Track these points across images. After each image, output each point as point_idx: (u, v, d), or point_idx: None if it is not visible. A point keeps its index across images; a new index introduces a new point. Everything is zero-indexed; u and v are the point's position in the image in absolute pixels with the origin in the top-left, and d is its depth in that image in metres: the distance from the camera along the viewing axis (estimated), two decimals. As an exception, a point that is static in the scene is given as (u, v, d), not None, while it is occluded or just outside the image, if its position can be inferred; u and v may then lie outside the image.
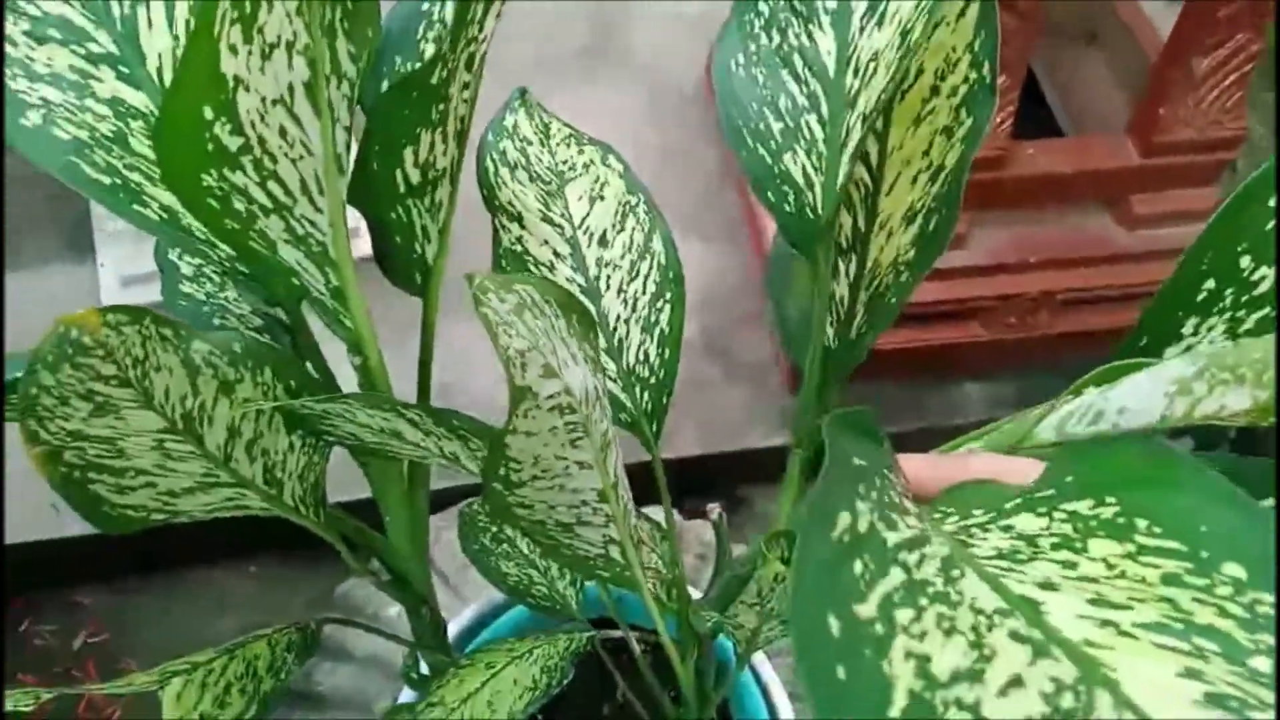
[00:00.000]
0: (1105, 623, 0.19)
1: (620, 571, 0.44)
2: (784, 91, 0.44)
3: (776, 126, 0.44)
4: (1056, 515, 0.24)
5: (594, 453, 0.37)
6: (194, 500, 0.37)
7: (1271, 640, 0.18)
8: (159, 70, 0.37)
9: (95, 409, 0.31)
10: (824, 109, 0.43)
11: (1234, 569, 0.20)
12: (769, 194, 0.44)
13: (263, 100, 0.30)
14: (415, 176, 0.37)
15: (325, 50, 0.32)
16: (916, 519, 0.24)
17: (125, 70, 0.36)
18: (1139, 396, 0.28)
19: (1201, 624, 0.19)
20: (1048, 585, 0.21)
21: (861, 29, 0.41)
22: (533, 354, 0.31)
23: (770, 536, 0.38)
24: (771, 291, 0.51)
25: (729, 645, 0.71)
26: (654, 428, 0.54)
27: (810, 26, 0.43)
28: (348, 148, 0.35)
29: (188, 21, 0.37)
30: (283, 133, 0.31)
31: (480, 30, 0.35)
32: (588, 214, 0.55)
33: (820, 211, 0.43)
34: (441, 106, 0.35)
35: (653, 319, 0.55)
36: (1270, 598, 0.19)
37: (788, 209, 0.44)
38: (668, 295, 0.54)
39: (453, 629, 0.68)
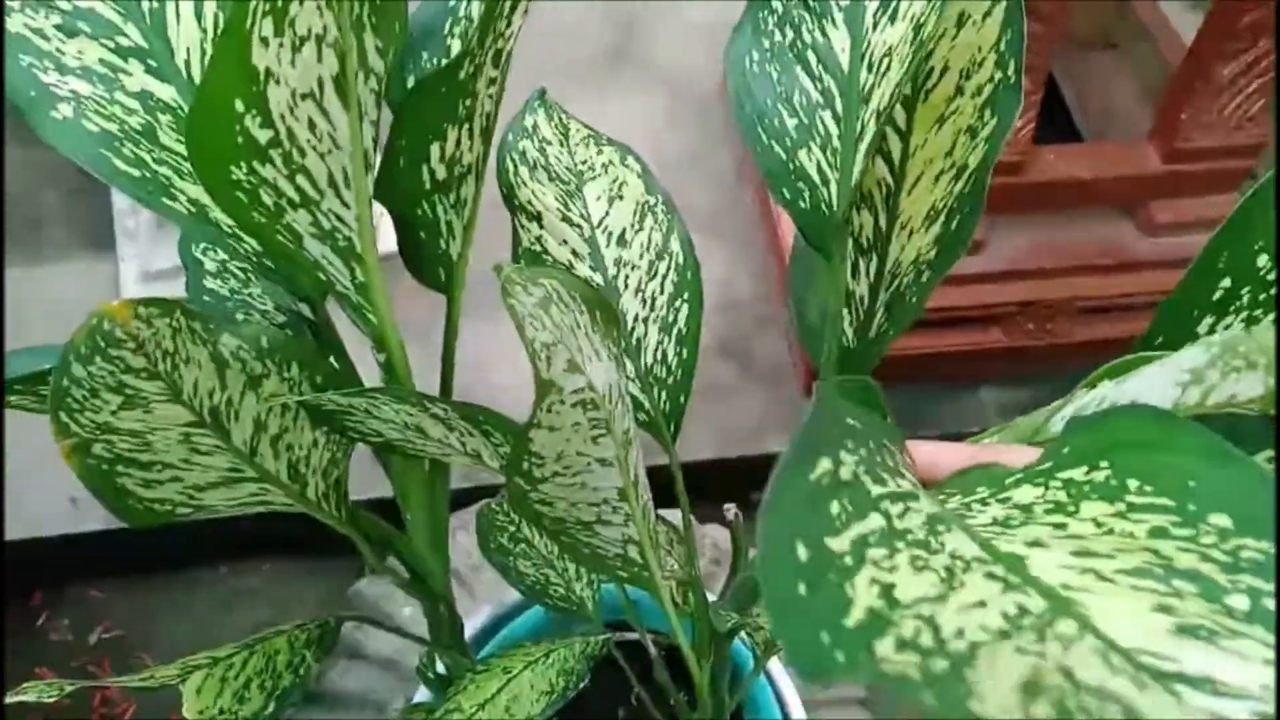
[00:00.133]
0: (1085, 570, 0.19)
1: (638, 571, 0.44)
2: (798, 87, 0.44)
3: (791, 123, 0.44)
4: (1052, 484, 0.24)
5: (615, 450, 0.37)
6: (219, 495, 0.37)
7: (1252, 581, 0.18)
8: (187, 64, 0.37)
9: (125, 402, 0.31)
10: (838, 105, 0.43)
11: (1220, 519, 0.20)
12: (784, 190, 0.44)
13: (293, 93, 0.30)
14: (441, 172, 0.37)
15: (354, 44, 0.32)
16: (911, 485, 0.24)
17: (154, 64, 0.37)
18: (1152, 386, 0.28)
19: (1182, 568, 0.19)
20: (1036, 543, 0.21)
21: (874, 24, 0.41)
22: (558, 348, 0.31)
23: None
24: (792, 290, 0.51)
25: (743, 649, 0.71)
26: (671, 428, 0.54)
27: (824, 22, 0.43)
28: (375, 143, 0.35)
29: (216, 15, 0.37)
30: (311, 126, 0.31)
31: (508, 26, 0.35)
32: (606, 214, 0.55)
33: (835, 207, 0.43)
34: (468, 102, 0.35)
35: (670, 319, 0.54)
36: (1255, 543, 0.19)
37: (803, 205, 0.44)
38: (685, 295, 0.54)
39: (469, 629, 0.68)
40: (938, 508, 0.23)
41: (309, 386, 0.37)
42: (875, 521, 0.20)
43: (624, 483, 0.39)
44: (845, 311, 0.47)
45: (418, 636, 0.59)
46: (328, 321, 0.42)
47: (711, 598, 0.55)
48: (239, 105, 0.29)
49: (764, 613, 0.49)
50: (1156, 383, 0.28)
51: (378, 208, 0.38)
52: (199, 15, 0.37)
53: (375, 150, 0.35)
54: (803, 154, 0.44)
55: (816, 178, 0.44)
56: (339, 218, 0.34)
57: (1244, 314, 0.35)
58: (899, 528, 0.21)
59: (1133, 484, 0.22)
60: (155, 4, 0.36)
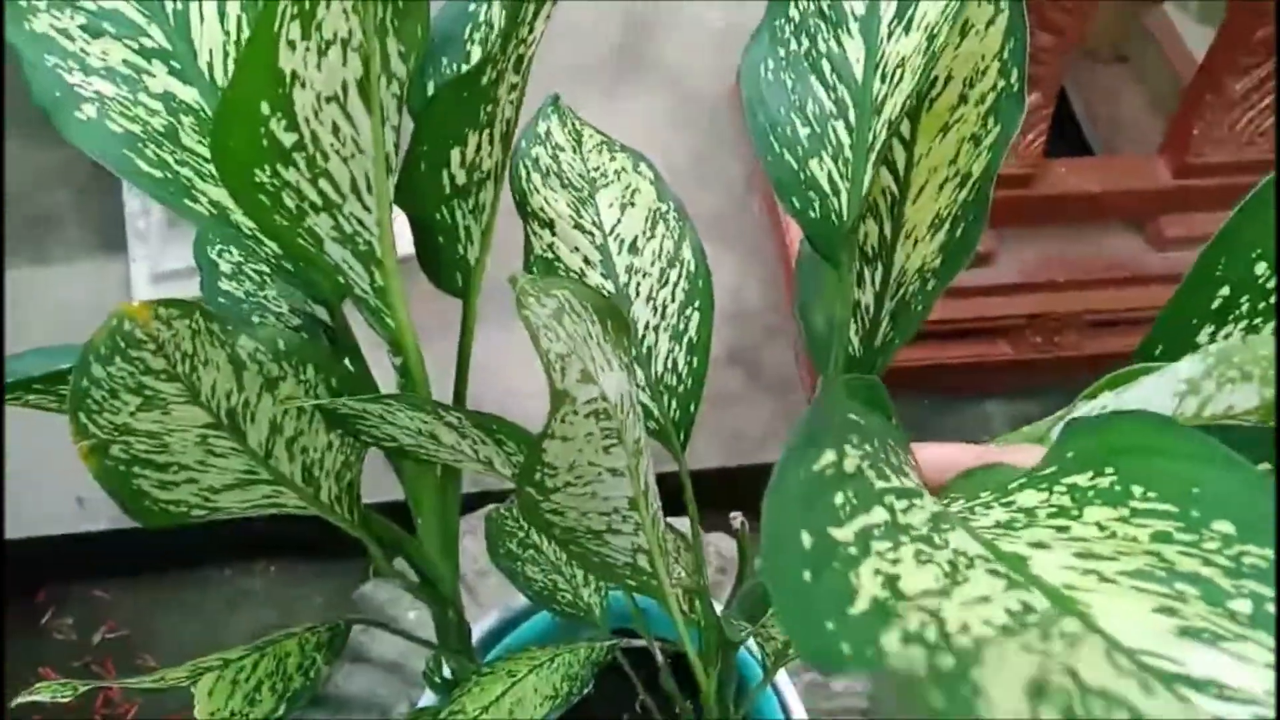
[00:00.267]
0: (1088, 571, 0.19)
1: (647, 580, 0.44)
2: (812, 97, 0.44)
3: (804, 132, 0.44)
4: (1056, 489, 0.24)
5: (627, 460, 0.37)
6: (233, 497, 0.37)
7: (1255, 586, 0.18)
8: (209, 66, 0.37)
9: (143, 403, 0.31)
10: (851, 115, 0.43)
11: (1223, 525, 0.20)
12: (794, 200, 0.44)
13: (318, 97, 0.30)
14: (461, 177, 0.37)
15: (377, 48, 0.32)
16: (915, 484, 0.24)
17: (177, 65, 0.37)
18: (1150, 397, 0.28)
19: (1184, 572, 0.19)
20: (1039, 545, 0.21)
21: (889, 34, 0.41)
22: (572, 358, 0.31)
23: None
24: (799, 298, 0.51)
25: (749, 659, 0.71)
26: (681, 437, 0.54)
27: (839, 32, 0.43)
28: (396, 148, 0.35)
29: (239, 18, 0.37)
30: (335, 130, 0.31)
31: (530, 32, 0.35)
32: (618, 221, 0.55)
33: (845, 217, 0.43)
34: (490, 108, 0.35)
35: (681, 327, 0.55)
36: (1258, 549, 0.19)
37: (813, 215, 0.44)
38: (697, 303, 0.54)
39: (474, 634, 0.68)
40: (942, 508, 0.23)
41: (325, 389, 0.37)
42: (879, 515, 0.21)
43: (634, 492, 0.39)
44: (851, 321, 0.47)
45: (424, 640, 0.59)
46: (345, 324, 0.42)
47: (717, 606, 0.55)
48: (264, 108, 0.29)
49: (773, 613, 0.49)
50: (1155, 394, 0.28)
51: (393, 210, 0.38)
52: (222, 17, 0.37)
53: (396, 155, 0.35)
54: (814, 163, 0.44)
55: (827, 187, 0.44)
56: (360, 222, 0.34)
57: (1243, 322, 0.35)
58: (903, 522, 0.21)
59: (1136, 489, 0.22)
60: (179, 5, 0.37)
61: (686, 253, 0.55)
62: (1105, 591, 0.19)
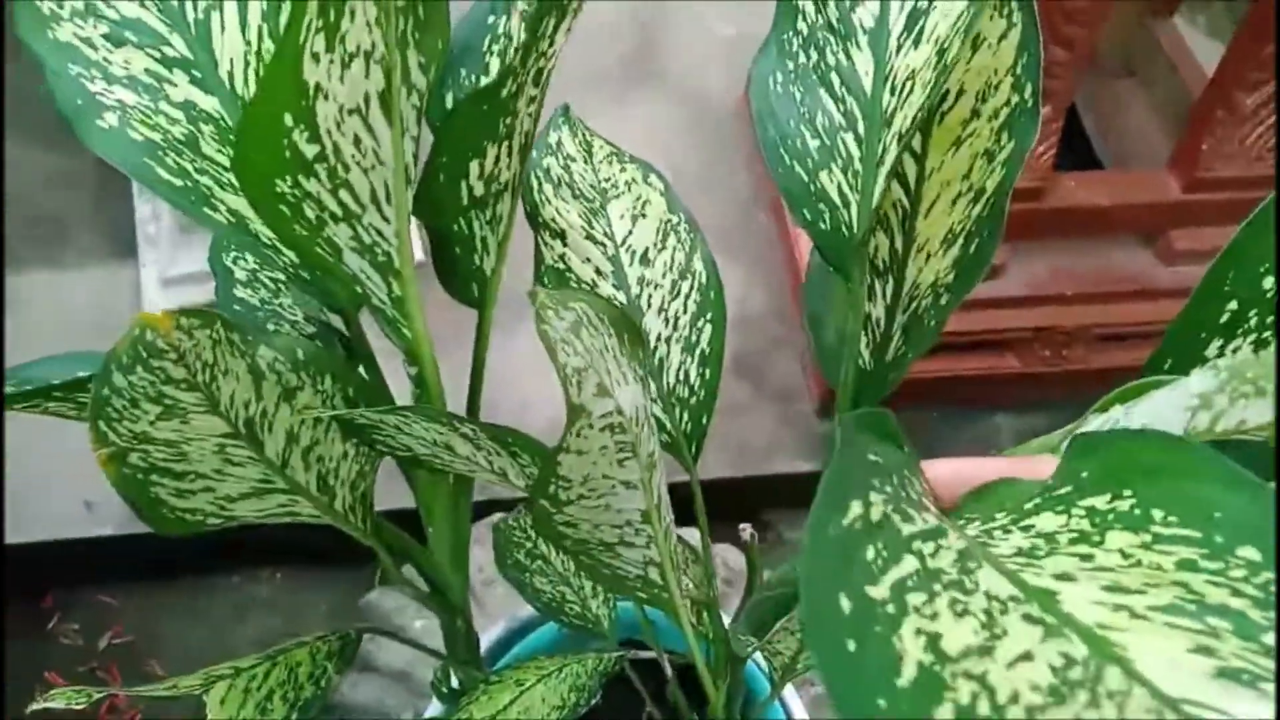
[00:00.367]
0: (1119, 607, 0.19)
1: (658, 593, 0.44)
2: (821, 109, 0.44)
3: (813, 144, 0.44)
4: (1075, 512, 0.24)
5: (640, 473, 0.37)
6: (249, 506, 0.38)
7: None
8: (230, 75, 0.37)
9: (163, 412, 0.31)
10: (860, 127, 0.43)
11: (1249, 552, 0.20)
12: (805, 211, 0.44)
13: (340, 109, 0.30)
14: (479, 189, 0.37)
15: (399, 60, 0.32)
16: (935, 517, 0.24)
17: (198, 74, 0.37)
18: (1161, 411, 0.28)
19: (1214, 604, 0.19)
20: (1064, 577, 0.21)
21: (898, 48, 0.41)
22: (589, 372, 0.31)
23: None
24: (809, 310, 0.51)
25: (756, 672, 0.71)
26: (693, 449, 0.54)
27: (848, 45, 0.43)
28: (415, 158, 0.35)
29: (260, 28, 0.37)
30: (356, 141, 0.31)
31: (550, 45, 0.35)
32: (630, 232, 0.55)
33: (855, 229, 0.43)
34: (509, 120, 0.35)
35: (693, 339, 0.55)
36: None
37: (823, 226, 0.44)
38: (709, 315, 0.54)
39: (482, 644, 0.68)
40: (965, 542, 0.23)
41: (341, 399, 0.37)
42: (910, 564, 0.21)
43: (647, 505, 0.39)
44: (862, 334, 0.47)
45: (433, 650, 0.59)
46: (361, 334, 0.42)
47: (725, 617, 0.55)
48: (288, 120, 0.29)
49: (779, 629, 0.49)
50: (1166, 408, 0.28)
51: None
52: (244, 27, 0.37)
53: (415, 165, 0.35)
54: (824, 175, 0.44)
55: (837, 199, 0.44)
56: (379, 232, 0.34)
57: (1252, 336, 0.35)
58: (932, 568, 0.21)
59: (1157, 513, 0.22)
60: (201, 15, 0.37)
61: (698, 264, 0.55)
62: (1138, 630, 0.19)
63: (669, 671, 0.60)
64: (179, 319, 0.30)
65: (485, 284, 0.42)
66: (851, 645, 0.18)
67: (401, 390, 0.44)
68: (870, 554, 0.20)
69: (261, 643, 1.01)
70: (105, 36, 0.36)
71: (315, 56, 0.28)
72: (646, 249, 0.54)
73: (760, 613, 0.53)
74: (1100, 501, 0.23)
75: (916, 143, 0.42)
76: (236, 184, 0.36)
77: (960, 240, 0.44)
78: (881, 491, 0.23)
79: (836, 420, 0.29)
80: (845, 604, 0.19)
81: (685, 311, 0.55)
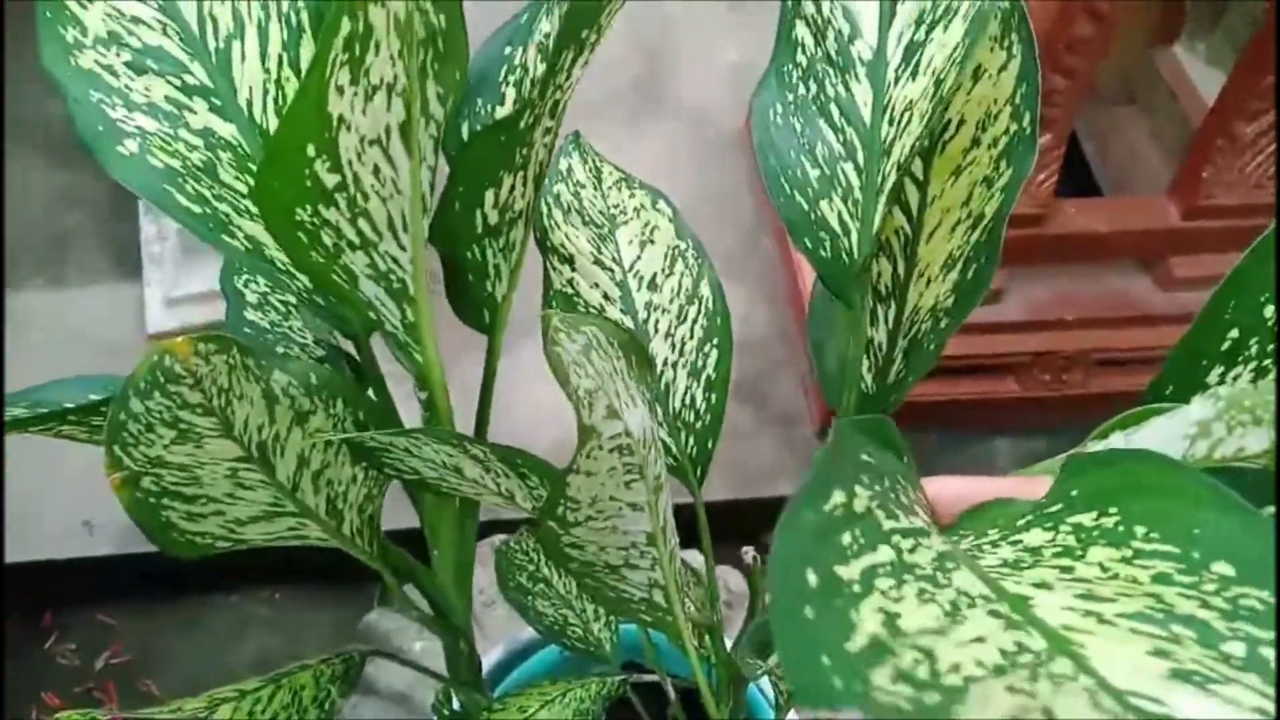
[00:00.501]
0: (1088, 613, 0.20)
1: (662, 616, 0.44)
2: (821, 140, 0.44)
3: (814, 174, 0.44)
4: (1062, 528, 0.24)
5: (647, 495, 0.37)
6: (258, 529, 0.38)
7: (1250, 629, 0.18)
8: (249, 103, 0.38)
9: (178, 436, 0.32)
10: (860, 157, 0.43)
11: (1223, 567, 0.20)
12: (806, 240, 0.45)
13: (361, 139, 0.30)
14: (493, 217, 0.38)
15: (419, 92, 0.32)
16: (924, 523, 0.24)
17: (217, 102, 0.37)
18: (1161, 438, 0.28)
19: (1182, 614, 0.19)
20: (1042, 585, 0.21)
21: (896, 79, 0.42)
22: (599, 394, 0.32)
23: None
24: (812, 336, 0.51)
25: (758, 697, 0.71)
26: (698, 473, 0.54)
27: (846, 77, 0.44)
28: (431, 187, 0.35)
29: (280, 56, 0.38)
30: (376, 171, 0.32)
31: (567, 79, 0.35)
32: (638, 257, 0.55)
33: (856, 256, 0.43)
34: (525, 151, 0.36)
35: (699, 364, 0.55)
36: (1256, 591, 0.19)
37: (824, 254, 0.44)
38: (715, 340, 0.55)
39: (483, 666, 0.68)
40: (949, 546, 0.23)
41: (352, 423, 0.38)
42: (885, 554, 0.21)
43: (653, 527, 0.39)
44: (864, 358, 0.47)
45: (435, 672, 0.59)
46: (372, 358, 0.43)
47: (727, 640, 0.55)
48: (311, 150, 0.29)
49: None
50: (1165, 435, 0.29)
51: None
52: (264, 57, 0.38)
53: (431, 194, 0.35)
54: (824, 204, 0.45)
55: (838, 227, 0.44)
56: (395, 260, 0.34)
57: (1253, 364, 0.35)
58: (908, 561, 0.21)
59: (1140, 530, 0.22)
60: (222, 45, 0.37)
61: (705, 290, 0.55)
62: (1103, 633, 0.19)
63: (672, 694, 0.60)
64: (197, 344, 0.30)
65: (496, 310, 0.42)
66: (809, 612, 0.18)
67: (408, 415, 0.45)
68: (846, 539, 0.21)
69: (260, 663, 1.01)
70: (127, 64, 0.36)
71: (340, 89, 0.28)
72: (654, 274, 0.55)
73: (763, 635, 0.53)
74: (1087, 518, 0.24)
75: (919, 170, 0.43)
76: (254, 210, 0.36)
77: (959, 265, 0.44)
78: (869, 488, 0.23)
79: (834, 426, 0.29)
80: (812, 578, 0.19)
81: (692, 336, 0.55)
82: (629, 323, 0.54)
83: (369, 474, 0.41)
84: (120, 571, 0.99)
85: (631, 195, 0.57)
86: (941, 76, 0.39)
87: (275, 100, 0.37)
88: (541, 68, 0.39)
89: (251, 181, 0.36)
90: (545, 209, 0.52)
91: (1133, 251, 1.06)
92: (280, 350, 0.46)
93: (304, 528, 0.40)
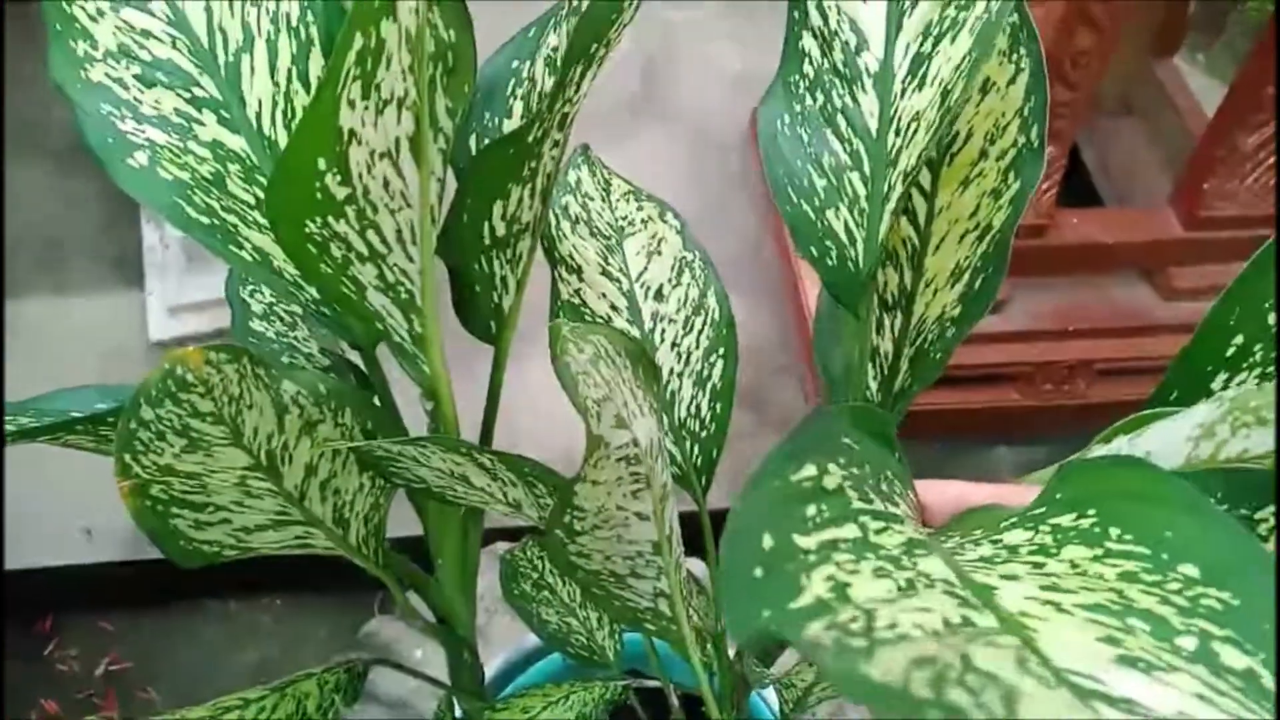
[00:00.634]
0: (1047, 602, 0.20)
1: (666, 624, 0.45)
2: (827, 150, 0.44)
3: (820, 183, 0.45)
4: (1042, 529, 0.24)
5: (653, 504, 0.38)
6: (265, 538, 0.38)
7: (1205, 625, 0.19)
8: (258, 115, 0.38)
9: (188, 445, 0.32)
10: (866, 167, 0.43)
11: (1189, 569, 0.20)
12: (812, 249, 0.45)
13: (372, 153, 0.31)
14: (501, 229, 0.38)
15: (428, 105, 0.33)
16: (903, 513, 0.24)
17: (226, 115, 0.38)
18: (1165, 441, 0.29)
19: (1140, 609, 0.20)
20: (1009, 577, 0.22)
21: (903, 91, 0.42)
22: (607, 404, 0.32)
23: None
24: (817, 345, 0.52)
25: (760, 705, 0.71)
26: (703, 482, 0.55)
27: (853, 88, 0.44)
28: (439, 199, 0.36)
29: (289, 70, 0.38)
30: (385, 184, 0.32)
31: (576, 92, 0.35)
32: (645, 268, 0.56)
33: (862, 265, 0.44)
34: (533, 164, 0.36)
35: (705, 373, 0.55)
36: (1217, 592, 0.20)
37: (830, 263, 0.45)
38: (720, 350, 0.55)
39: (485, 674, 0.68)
40: (923, 537, 0.23)
41: (360, 432, 0.38)
42: (850, 531, 0.21)
43: (659, 536, 0.39)
44: (870, 366, 0.48)
45: (437, 680, 0.59)
46: (378, 368, 0.43)
47: (730, 648, 0.55)
48: (321, 163, 0.29)
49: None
50: (1169, 438, 0.29)
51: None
52: (273, 71, 0.38)
53: (439, 206, 0.36)
54: (831, 214, 0.45)
55: (844, 237, 0.44)
56: (403, 271, 0.35)
57: (1257, 370, 0.36)
58: (873, 542, 0.21)
59: (1114, 531, 0.23)
60: (231, 58, 0.38)
61: (711, 300, 0.56)
62: (1057, 620, 0.19)
63: (674, 702, 0.60)
64: (209, 353, 0.30)
65: (503, 321, 0.42)
66: (759, 572, 0.18)
67: (412, 423, 0.45)
68: (810, 510, 0.21)
69: (259, 670, 1.01)
70: (137, 77, 0.36)
71: (351, 103, 0.29)
72: (661, 285, 0.55)
73: (765, 644, 0.53)
74: (1066, 520, 0.24)
75: (927, 181, 0.43)
76: (262, 222, 0.37)
77: (966, 275, 0.45)
78: (844, 469, 0.23)
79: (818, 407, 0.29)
80: (767, 541, 0.19)
81: (698, 346, 0.55)
82: (635, 333, 0.54)
83: (375, 483, 0.41)
84: (120, 578, 0.99)
85: (639, 207, 0.57)
86: (948, 88, 0.39)
87: (284, 113, 0.37)
88: (550, 81, 0.39)
89: (260, 193, 0.36)
90: (554, 220, 0.52)
91: (1135, 262, 1.06)
92: (286, 360, 0.46)
93: (310, 536, 0.40)
